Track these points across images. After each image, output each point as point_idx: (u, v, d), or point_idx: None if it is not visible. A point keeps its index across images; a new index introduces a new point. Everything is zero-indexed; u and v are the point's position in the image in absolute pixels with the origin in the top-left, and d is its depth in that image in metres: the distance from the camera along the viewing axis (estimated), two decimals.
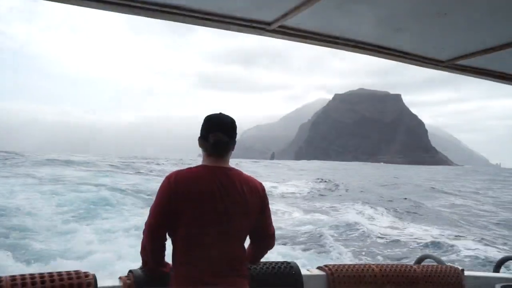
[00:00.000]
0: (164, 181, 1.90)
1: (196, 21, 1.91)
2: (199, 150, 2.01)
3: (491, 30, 1.70)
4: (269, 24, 1.98)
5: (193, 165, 1.98)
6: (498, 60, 1.95)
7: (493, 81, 2.18)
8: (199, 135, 1.96)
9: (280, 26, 1.99)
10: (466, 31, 1.77)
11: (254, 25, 1.99)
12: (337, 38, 2.09)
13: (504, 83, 2.17)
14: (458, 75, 2.19)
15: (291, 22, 1.94)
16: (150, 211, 1.91)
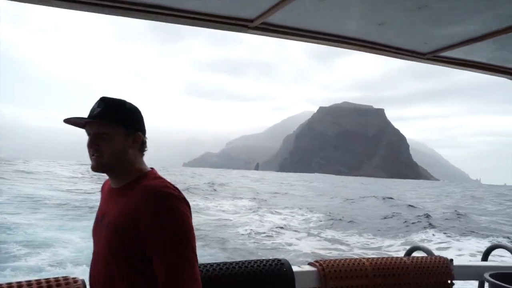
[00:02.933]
0: (182, 208, 1.41)
1: (177, 20, 1.89)
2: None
3: (471, 21, 1.74)
4: (251, 21, 1.98)
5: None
6: (479, 50, 2.00)
7: (474, 71, 2.23)
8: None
9: (262, 23, 1.99)
10: (447, 23, 1.81)
11: (237, 22, 1.98)
12: (320, 33, 2.10)
13: (485, 73, 2.23)
14: (440, 67, 2.23)
15: (273, 18, 1.94)
16: (189, 262, 1.37)
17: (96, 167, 1.50)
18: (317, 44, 2.15)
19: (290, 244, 14.86)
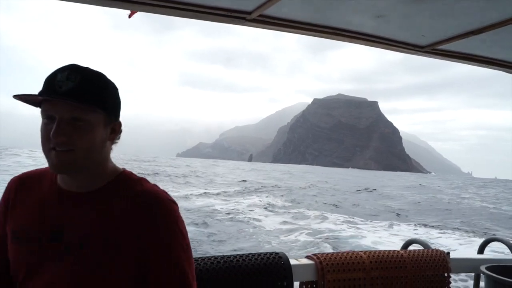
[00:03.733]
0: (174, 208, 1.21)
1: (174, 12, 1.86)
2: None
3: (470, 13, 1.73)
4: (248, 13, 1.95)
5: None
6: (478, 43, 1.99)
7: (472, 64, 2.23)
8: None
9: (260, 16, 1.97)
10: (445, 15, 1.80)
11: (234, 15, 1.96)
12: (318, 26, 2.08)
13: (483, 66, 2.22)
14: (438, 60, 2.22)
15: (271, 11, 1.91)
16: (188, 262, 1.20)
17: (62, 167, 1.08)
18: (315, 36, 2.13)
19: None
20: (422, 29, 1.96)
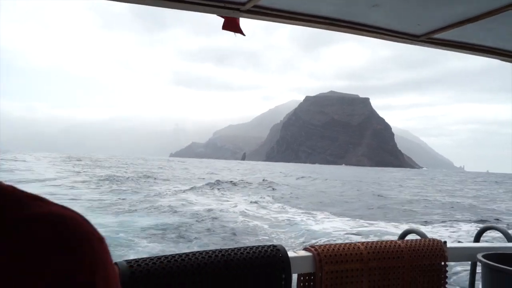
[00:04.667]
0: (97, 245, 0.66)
1: (166, 4, 1.84)
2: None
3: (465, 1, 1.72)
4: (243, 4, 1.93)
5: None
6: (473, 31, 1.99)
7: (468, 53, 2.22)
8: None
9: (254, 6, 1.95)
10: (441, 3, 1.79)
11: (228, 6, 1.94)
12: (312, 16, 2.07)
13: (478, 55, 2.22)
14: (434, 49, 2.22)
15: (265, 1, 1.90)
16: None
17: None
18: (310, 27, 2.12)
19: None
20: (418, 18, 1.95)
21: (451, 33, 2.03)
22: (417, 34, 2.10)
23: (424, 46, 2.16)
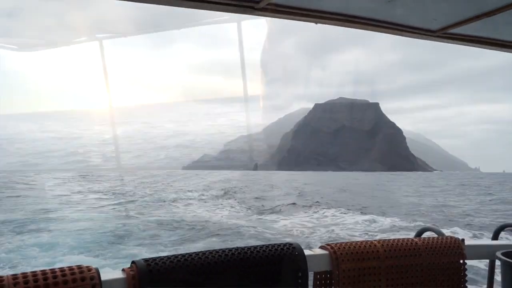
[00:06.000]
0: None
1: (181, 3, 1.86)
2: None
3: None
4: (257, 2, 1.95)
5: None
6: (490, 26, 1.97)
7: (485, 48, 2.20)
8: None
9: (268, 4, 1.96)
10: None
11: (243, 4, 1.95)
12: (328, 13, 2.07)
13: (496, 49, 2.20)
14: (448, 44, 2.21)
15: None
16: None
17: None
18: (326, 24, 2.12)
19: None
20: (434, 13, 1.94)
21: (468, 28, 2.02)
22: (433, 29, 2.10)
23: (440, 41, 2.15)
